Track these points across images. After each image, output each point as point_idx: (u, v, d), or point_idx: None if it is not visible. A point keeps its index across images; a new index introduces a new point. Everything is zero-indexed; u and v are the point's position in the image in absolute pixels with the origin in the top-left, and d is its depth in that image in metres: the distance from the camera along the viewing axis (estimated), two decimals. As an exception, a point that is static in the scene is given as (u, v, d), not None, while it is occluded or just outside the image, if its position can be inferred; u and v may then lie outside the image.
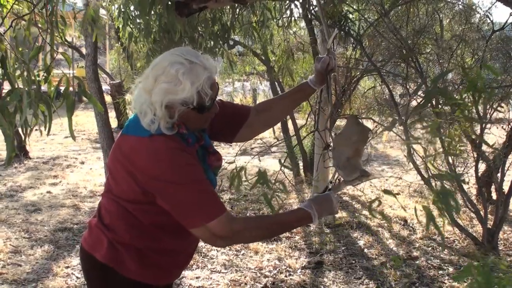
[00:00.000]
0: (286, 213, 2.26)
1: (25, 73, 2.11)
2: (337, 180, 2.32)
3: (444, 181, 1.95)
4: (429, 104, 2.24)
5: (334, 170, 2.32)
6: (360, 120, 2.36)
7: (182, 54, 2.00)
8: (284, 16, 6.14)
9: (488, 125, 5.19)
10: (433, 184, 2.04)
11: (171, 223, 2.03)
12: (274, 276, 4.78)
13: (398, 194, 7.53)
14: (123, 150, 2.05)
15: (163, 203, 1.98)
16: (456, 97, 2.21)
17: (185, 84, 1.95)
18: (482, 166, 5.92)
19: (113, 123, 9.61)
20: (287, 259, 5.16)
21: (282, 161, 2.67)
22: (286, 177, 2.99)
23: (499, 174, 5.34)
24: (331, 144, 2.36)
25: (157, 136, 1.99)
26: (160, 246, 2.15)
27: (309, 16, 6.46)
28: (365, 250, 5.42)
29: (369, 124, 3.10)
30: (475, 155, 5.46)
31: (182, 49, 2.07)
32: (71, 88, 2.31)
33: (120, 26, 4.47)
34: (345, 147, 2.26)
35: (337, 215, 6.56)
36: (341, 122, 10.76)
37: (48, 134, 2.20)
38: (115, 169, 2.10)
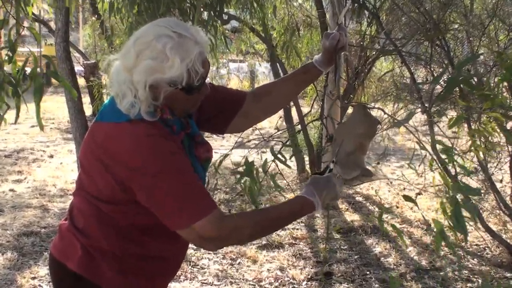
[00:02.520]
0: (285, 204, 2.24)
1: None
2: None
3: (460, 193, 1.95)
4: (455, 92, 2.24)
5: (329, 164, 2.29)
6: (369, 110, 2.34)
7: (170, 26, 1.99)
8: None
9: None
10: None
11: (156, 224, 2.03)
12: (275, 289, 4.80)
13: (420, 193, 7.51)
14: (96, 139, 2.04)
15: (143, 199, 1.97)
16: (485, 85, 2.21)
17: (173, 61, 1.94)
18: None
19: (88, 110, 9.57)
20: (290, 269, 5.17)
21: (281, 154, 2.66)
22: (279, 170, 3.00)
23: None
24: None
25: (136, 121, 1.98)
26: (144, 252, 2.14)
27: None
28: (382, 259, 5.43)
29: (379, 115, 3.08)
30: (510, 149, 5.45)
31: (169, 20, 2.06)
32: (39, 69, 2.29)
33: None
34: (347, 140, 2.23)
35: (348, 219, 6.57)
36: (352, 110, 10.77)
37: (15, 122, 2.19)
38: (87, 163, 2.09)
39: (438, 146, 2.06)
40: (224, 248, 5.45)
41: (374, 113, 2.48)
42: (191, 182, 1.98)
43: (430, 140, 2.97)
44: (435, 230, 1.89)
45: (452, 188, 1.88)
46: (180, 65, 1.94)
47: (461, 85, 2.11)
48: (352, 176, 2.20)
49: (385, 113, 2.58)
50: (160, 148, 1.95)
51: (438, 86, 4.37)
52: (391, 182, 8.15)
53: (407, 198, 2.19)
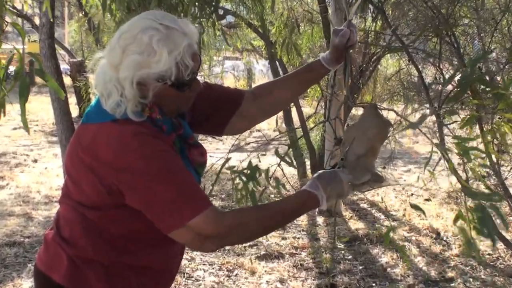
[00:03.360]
0: (288, 199, 2.22)
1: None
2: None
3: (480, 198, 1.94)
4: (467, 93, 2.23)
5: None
6: (380, 111, 2.33)
7: (156, 19, 1.98)
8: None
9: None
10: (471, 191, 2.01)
11: (145, 231, 2.03)
12: (275, 302, 4.79)
13: (429, 200, 7.52)
14: (82, 142, 2.03)
15: (133, 202, 1.96)
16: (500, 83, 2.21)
17: (161, 54, 1.93)
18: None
19: (74, 111, 9.56)
20: (291, 281, 5.16)
21: (287, 156, 2.66)
22: (284, 175, 3.00)
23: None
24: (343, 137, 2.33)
25: (123, 121, 1.97)
26: (132, 262, 2.13)
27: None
28: (388, 270, 5.43)
29: (390, 116, 3.08)
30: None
31: (155, 13, 2.06)
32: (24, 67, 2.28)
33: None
34: (357, 143, 2.23)
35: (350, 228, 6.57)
36: (357, 111, 10.77)
37: (-4, 122, 2.18)
38: (73, 168, 2.08)
39: (454, 147, 2.05)
40: (221, 258, 5.45)
41: (384, 114, 2.48)
42: (183, 181, 1.97)
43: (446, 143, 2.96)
44: (462, 239, 1.88)
45: (469, 193, 1.87)
46: (168, 58, 1.94)
47: (475, 84, 2.11)
48: (361, 181, 2.19)
49: (398, 114, 2.57)
50: (148, 146, 1.94)
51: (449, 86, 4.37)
52: (403, 188, 8.15)
53: (414, 206, 2.19)
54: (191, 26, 2.04)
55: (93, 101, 2.14)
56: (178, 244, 2.13)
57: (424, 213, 2.21)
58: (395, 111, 2.62)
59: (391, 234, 5.64)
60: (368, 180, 2.19)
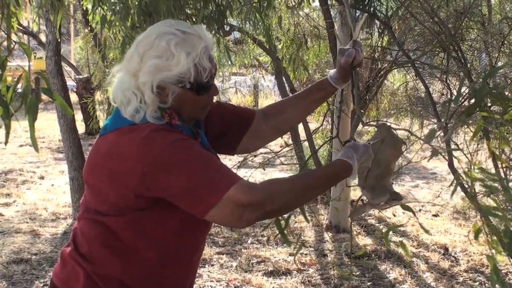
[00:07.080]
0: (324, 167, 2.26)
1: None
2: (360, 202, 2.33)
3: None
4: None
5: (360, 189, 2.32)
6: (393, 130, 2.36)
7: (172, 25, 2.05)
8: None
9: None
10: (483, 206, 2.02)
11: (168, 237, 2.07)
12: (283, 319, 4.79)
13: (436, 215, 7.50)
14: (101, 152, 2.06)
15: (165, 193, 1.97)
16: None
17: (179, 57, 1.98)
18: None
19: (80, 128, 9.59)
20: (298, 297, 5.16)
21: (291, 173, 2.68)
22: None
23: None
24: None
25: (141, 124, 2.01)
26: (150, 276, 2.14)
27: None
28: (396, 286, 5.42)
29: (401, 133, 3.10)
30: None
31: (170, 21, 2.12)
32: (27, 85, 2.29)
33: (90, 7, 4.49)
34: (374, 163, 2.26)
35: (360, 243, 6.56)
36: (361, 127, 10.75)
37: (6, 143, 2.20)
38: (93, 178, 2.10)
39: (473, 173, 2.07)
40: (228, 275, 5.45)
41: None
42: (210, 162, 2.00)
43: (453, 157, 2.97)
44: (489, 267, 1.90)
45: (485, 212, 1.88)
46: (186, 60, 1.99)
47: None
48: (381, 201, 2.22)
49: (412, 134, 2.60)
50: (169, 137, 1.98)
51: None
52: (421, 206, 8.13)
53: (406, 208, 2.22)
54: (206, 32, 2.09)
55: (111, 114, 2.17)
56: (196, 258, 2.17)
57: (415, 214, 2.25)
58: (410, 131, 2.64)
59: (400, 250, 5.65)
60: (387, 200, 2.22)
